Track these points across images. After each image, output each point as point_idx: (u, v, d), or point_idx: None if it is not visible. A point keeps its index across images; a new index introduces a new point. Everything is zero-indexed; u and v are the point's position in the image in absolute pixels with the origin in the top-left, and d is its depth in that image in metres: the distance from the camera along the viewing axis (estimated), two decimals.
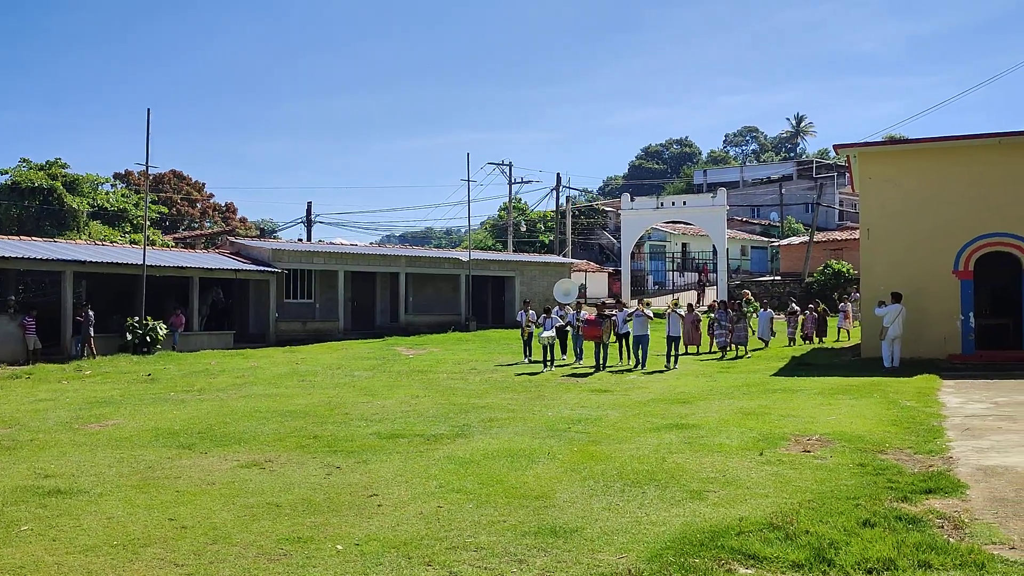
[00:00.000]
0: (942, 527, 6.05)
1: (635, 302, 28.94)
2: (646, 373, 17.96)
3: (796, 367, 18.87)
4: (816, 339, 25.49)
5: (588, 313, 21.08)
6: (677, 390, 14.94)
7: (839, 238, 44.41)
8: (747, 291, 30.64)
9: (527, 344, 21.66)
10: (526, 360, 21.19)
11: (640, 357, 19.27)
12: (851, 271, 35.06)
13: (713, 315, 23.50)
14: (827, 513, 6.40)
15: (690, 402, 13.20)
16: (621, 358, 20.09)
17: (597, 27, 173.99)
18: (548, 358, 19.63)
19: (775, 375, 17.24)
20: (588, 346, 20.56)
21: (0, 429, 11.62)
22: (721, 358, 21.31)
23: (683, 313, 20.21)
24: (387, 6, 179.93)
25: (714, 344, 22.75)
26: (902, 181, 19.54)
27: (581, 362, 20.39)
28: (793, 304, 26.84)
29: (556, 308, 21.96)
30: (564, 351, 21.63)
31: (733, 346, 22.03)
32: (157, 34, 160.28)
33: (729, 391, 14.54)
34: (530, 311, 21.93)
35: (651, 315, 19.59)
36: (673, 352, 19.21)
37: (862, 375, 16.24)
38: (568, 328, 21.31)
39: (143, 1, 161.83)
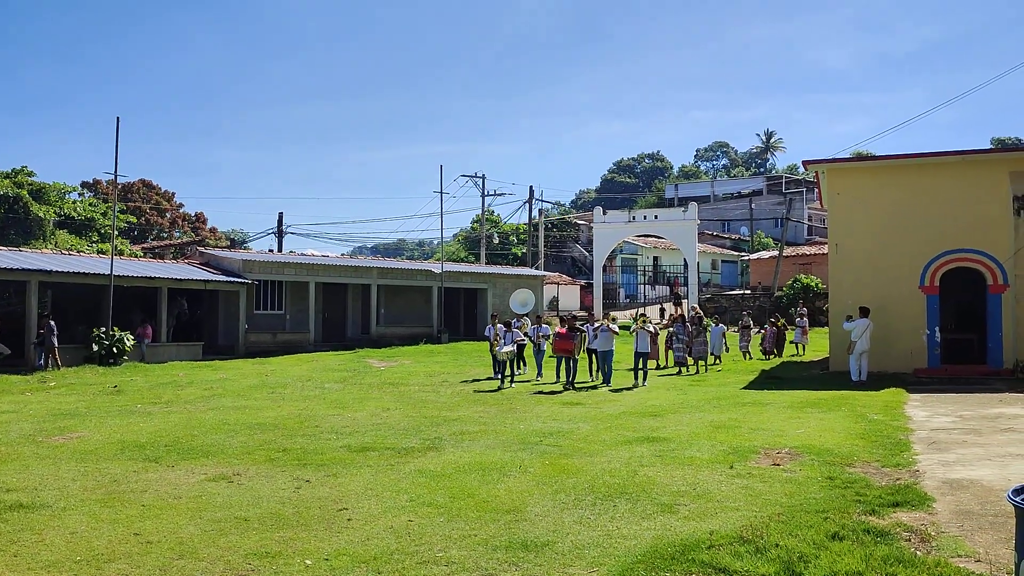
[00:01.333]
0: (909, 540, 6.11)
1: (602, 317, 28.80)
2: (613, 390, 17.43)
3: (765, 380, 19.03)
4: (774, 353, 25.46)
5: (554, 327, 20.61)
6: (648, 403, 14.99)
7: (808, 252, 44.95)
8: (696, 307, 30.67)
9: (496, 360, 20.73)
10: (497, 375, 20.43)
11: (606, 373, 18.71)
12: (820, 285, 35.48)
13: (671, 329, 23.10)
14: (796, 526, 6.44)
15: (661, 415, 13.24)
16: (591, 374, 19.62)
17: (570, 39, 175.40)
18: (507, 373, 19.14)
19: (745, 388, 17.37)
20: (549, 361, 20.19)
21: None
22: (678, 373, 21.13)
23: (651, 329, 19.73)
24: (358, 15, 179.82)
25: (670, 359, 22.49)
26: (869, 197, 19.84)
27: (540, 378, 19.84)
28: (746, 318, 26.78)
29: (515, 320, 21.49)
30: (521, 366, 21.09)
31: (692, 361, 21.78)
32: (126, 42, 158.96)
33: (700, 404, 14.61)
34: (499, 324, 21.18)
35: (616, 330, 19.03)
36: (641, 367, 18.68)
37: (830, 389, 16.40)
38: (526, 342, 20.80)
39: (111, 10, 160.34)
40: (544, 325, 21.20)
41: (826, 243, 28.50)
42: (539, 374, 20.19)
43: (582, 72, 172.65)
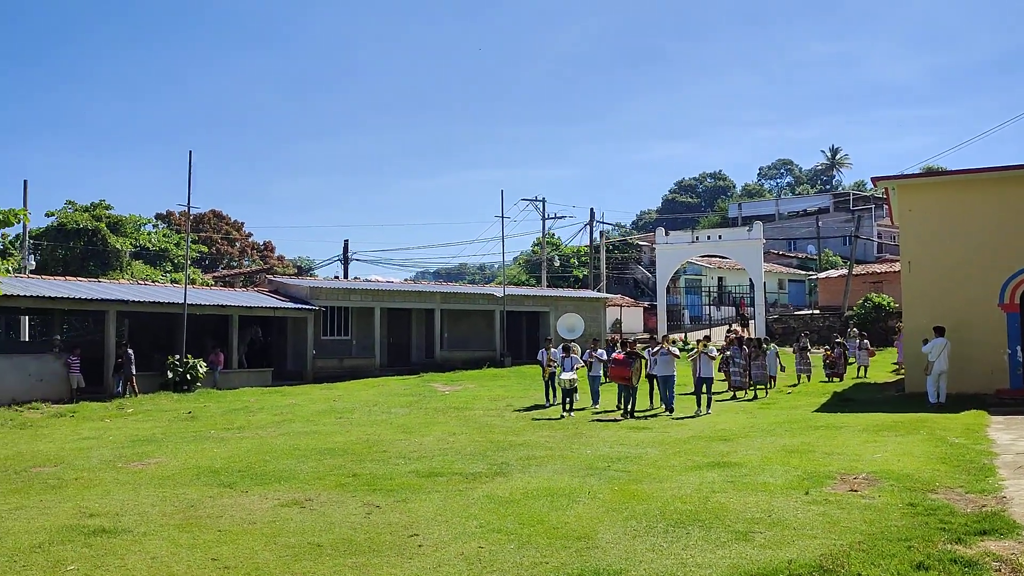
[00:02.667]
0: (999, 571, 5.87)
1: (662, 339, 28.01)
2: (676, 418, 16.45)
3: (838, 403, 18.53)
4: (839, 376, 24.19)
5: (614, 352, 19.25)
6: (717, 427, 14.74)
7: (879, 271, 43.80)
8: (737, 328, 29.68)
9: (550, 385, 19.66)
10: (548, 403, 19.29)
11: (667, 400, 17.36)
12: (892, 304, 34.51)
13: (727, 352, 21.86)
14: (878, 555, 6.24)
15: (731, 439, 13.00)
16: (651, 400, 18.47)
17: (627, 62, 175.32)
18: (569, 402, 17.78)
19: (817, 411, 16.94)
20: (607, 388, 19.17)
21: (46, 468, 11.78)
22: (733, 398, 20.21)
23: (714, 354, 18.28)
24: (414, 43, 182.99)
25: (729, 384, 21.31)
26: (943, 213, 19.29)
27: (597, 406, 18.44)
28: (803, 339, 25.44)
29: (559, 346, 20.27)
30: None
31: (752, 384, 20.71)
32: (195, 80, 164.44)
33: (771, 428, 14.31)
34: (552, 349, 20.11)
35: (677, 353, 17.85)
36: (705, 392, 17.42)
37: (907, 411, 15.90)
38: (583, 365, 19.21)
39: (179, 53, 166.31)
40: (600, 350, 19.71)
41: (897, 261, 27.80)
42: (595, 402, 18.69)
43: (641, 94, 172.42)
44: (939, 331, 17.47)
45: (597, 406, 18.42)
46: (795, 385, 23.17)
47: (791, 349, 25.90)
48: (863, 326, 32.84)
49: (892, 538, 6.78)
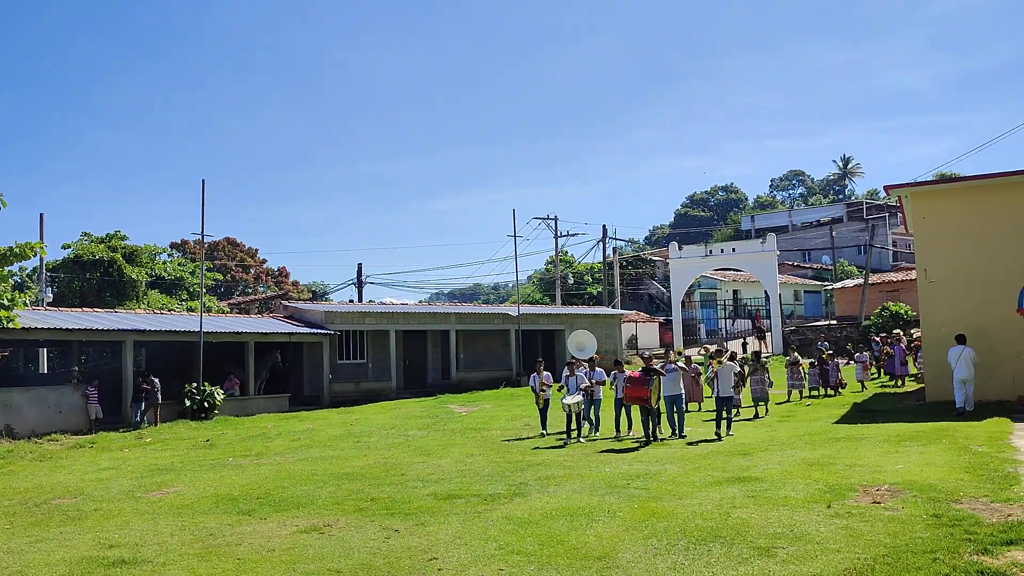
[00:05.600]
0: None
1: (673, 353, 26.77)
2: (689, 444, 14.76)
3: (858, 414, 18.36)
4: (822, 390, 23.20)
5: (629, 370, 16.93)
6: (736, 441, 14.63)
7: (895, 279, 43.52)
8: (707, 346, 28.99)
9: (545, 413, 17.52)
10: (544, 433, 17.13)
11: (677, 422, 15.85)
12: (909, 313, 34.24)
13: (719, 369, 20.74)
14: (904, 568, 6.15)
15: (751, 453, 12.89)
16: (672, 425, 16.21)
17: (636, 78, 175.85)
18: (573, 429, 16.12)
19: (837, 423, 16.78)
20: (609, 410, 17.28)
21: (65, 499, 11.82)
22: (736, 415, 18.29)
23: (737, 369, 17.08)
24: (429, 66, 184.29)
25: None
26: (958, 220, 19.16)
27: (597, 432, 16.89)
28: (792, 353, 23.93)
29: (582, 367, 17.79)
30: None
31: (753, 402, 19.64)
32: (206, 108, 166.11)
33: (790, 441, 14.18)
34: (544, 371, 17.67)
35: (685, 368, 16.58)
36: (726, 415, 15.90)
37: (928, 420, 15.72)
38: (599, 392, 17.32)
39: (188, 76, 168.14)
40: (598, 369, 17.82)
41: (913, 269, 27.55)
42: (594, 428, 16.99)
43: (651, 110, 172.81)
44: (959, 339, 17.32)
45: (597, 432, 16.93)
46: (814, 397, 22.79)
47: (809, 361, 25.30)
48: (880, 333, 32.40)
49: (917, 550, 6.68)
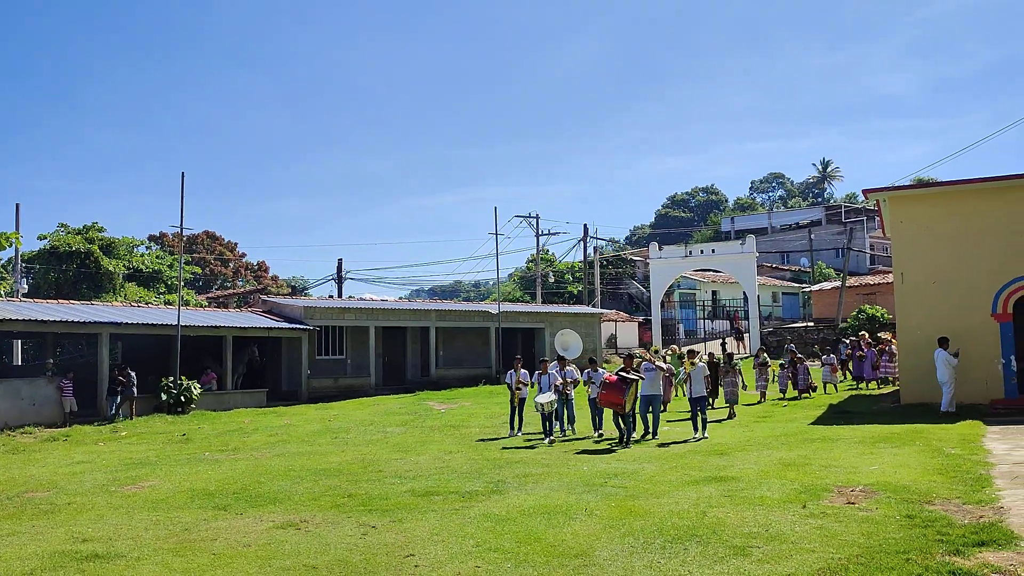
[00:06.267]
0: None
1: (650, 351, 26.85)
2: (660, 445, 14.49)
3: (834, 415, 18.52)
4: (790, 391, 23.17)
5: (606, 373, 16.23)
6: (713, 441, 14.71)
7: (872, 282, 43.94)
8: (674, 346, 29.07)
9: (516, 412, 17.00)
10: (513, 433, 16.82)
11: (652, 423, 15.46)
12: (885, 315, 34.57)
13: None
14: (877, 568, 6.22)
15: (727, 453, 12.97)
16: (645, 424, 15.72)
17: (620, 79, 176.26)
18: (548, 429, 15.97)
19: (813, 424, 16.92)
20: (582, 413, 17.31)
21: (39, 493, 11.69)
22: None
23: (707, 373, 16.78)
24: (412, 62, 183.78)
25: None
26: (934, 224, 19.37)
27: (572, 429, 16.79)
28: (762, 354, 23.48)
29: (553, 364, 17.71)
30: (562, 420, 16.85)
31: (726, 404, 19.41)
32: (188, 102, 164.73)
33: (767, 441, 14.28)
34: (521, 369, 17.40)
35: (663, 367, 16.35)
36: (701, 416, 15.49)
37: (902, 422, 15.89)
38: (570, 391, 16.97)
39: (171, 72, 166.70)
40: (569, 368, 17.41)
41: (890, 272, 27.82)
42: (569, 425, 16.85)
43: (633, 109, 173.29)
44: (940, 342, 17.60)
45: (569, 431, 16.75)
46: (796, 398, 22.70)
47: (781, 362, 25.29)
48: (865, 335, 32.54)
49: (890, 551, 6.75)
